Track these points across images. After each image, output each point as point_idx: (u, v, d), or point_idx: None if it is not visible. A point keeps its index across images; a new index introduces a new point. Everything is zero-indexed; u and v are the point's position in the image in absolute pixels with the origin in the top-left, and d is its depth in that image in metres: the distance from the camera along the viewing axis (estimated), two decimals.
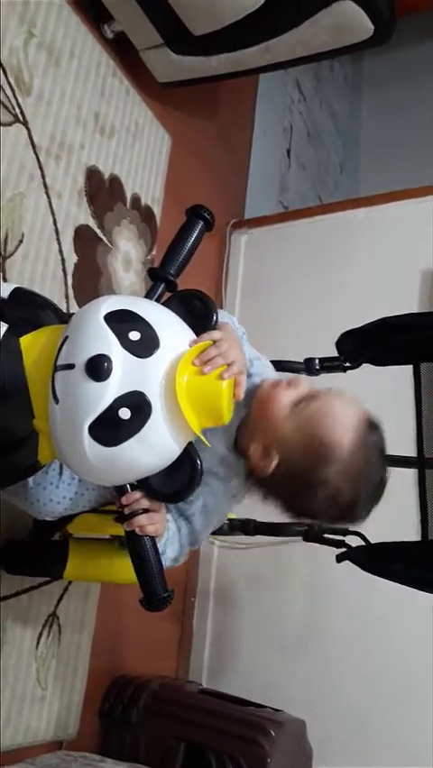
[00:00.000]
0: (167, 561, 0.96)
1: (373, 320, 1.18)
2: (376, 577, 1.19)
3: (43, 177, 1.62)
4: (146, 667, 1.81)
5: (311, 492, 0.93)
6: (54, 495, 1.00)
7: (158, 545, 0.84)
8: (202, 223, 0.87)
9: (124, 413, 0.71)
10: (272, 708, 1.66)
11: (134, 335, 0.74)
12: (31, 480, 0.97)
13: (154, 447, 0.74)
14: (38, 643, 1.47)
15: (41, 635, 1.48)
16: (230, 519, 1.34)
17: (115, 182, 1.88)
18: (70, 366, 0.73)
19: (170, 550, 0.98)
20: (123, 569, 1.30)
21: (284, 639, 1.89)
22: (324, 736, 1.69)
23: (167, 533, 0.96)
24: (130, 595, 1.71)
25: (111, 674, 1.70)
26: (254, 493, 1.01)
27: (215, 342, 0.81)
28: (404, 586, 1.03)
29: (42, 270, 1.58)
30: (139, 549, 0.79)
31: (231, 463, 1.01)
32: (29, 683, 1.44)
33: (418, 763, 1.65)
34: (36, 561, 1.37)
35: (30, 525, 1.34)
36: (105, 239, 1.81)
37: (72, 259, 1.68)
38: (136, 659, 1.79)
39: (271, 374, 1.10)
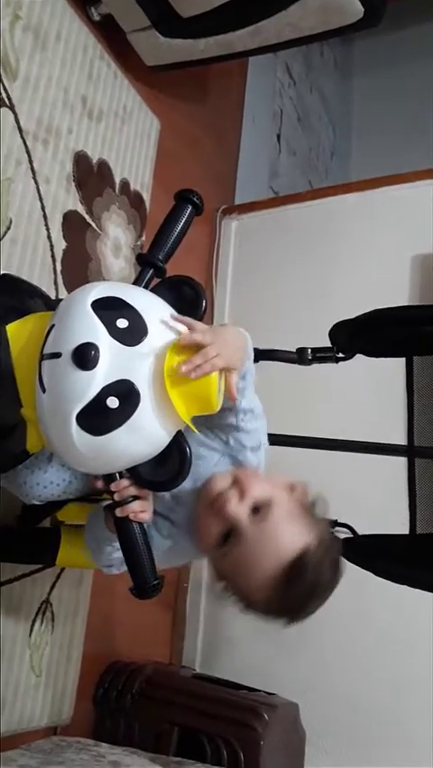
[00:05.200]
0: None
1: (366, 311, 1.17)
2: None
3: (31, 162, 1.60)
4: (140, 653, 1.81)
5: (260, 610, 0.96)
6: (41, 479, 0.99)
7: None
8: (191, 207, 0.86)
9: (113, 402, 0.71)
10: (266, 692, 1.67)
11: (122, 323, 0.73)
12: None
13: (143, 436, 0.74)
14: (31, 630, 1.47)
15: (34, 621, 1.48)
16: None
17: (103, 167, 1.86)
18: (57, 355, 0.72)
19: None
20: None
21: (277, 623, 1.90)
22: (317, 719, 1.71)
23: None
24: (123, 581, 1.71)
25: (105, 660, 1.71)
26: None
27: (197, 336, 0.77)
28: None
29: (31, 256, 1.57)
30: (129, 537, 0.79)
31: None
32: (23, 670, 1.44)
33: (413, 746, 1.66)
34: (28, 548, 1.37)
35: (18, 512, 1.34)
36: (93, 225, 1.79)
37: (61, 245, 1.67)
38: (130, 645, 1.80)
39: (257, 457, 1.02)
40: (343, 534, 0.99)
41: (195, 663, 1.96)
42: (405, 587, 1.70)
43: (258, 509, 0.89)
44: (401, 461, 1.21)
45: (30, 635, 1.46)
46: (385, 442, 1.09)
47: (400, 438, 1.21)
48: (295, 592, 0.90)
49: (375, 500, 1.45)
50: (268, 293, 2.22)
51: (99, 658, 1.69)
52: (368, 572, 1.72)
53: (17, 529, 1.35)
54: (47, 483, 1.01)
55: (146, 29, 1.87)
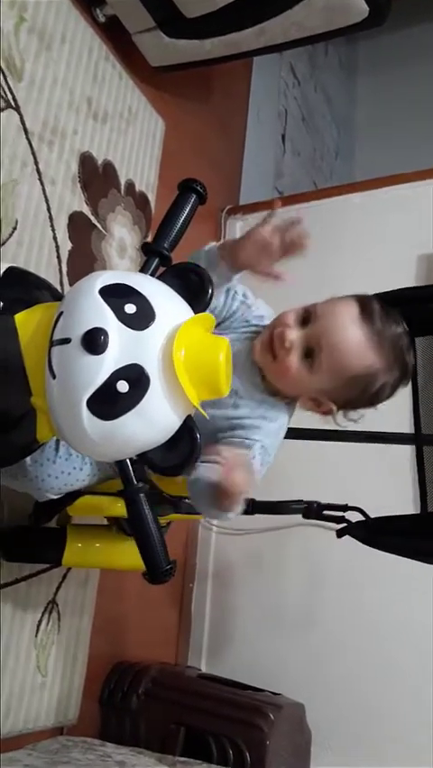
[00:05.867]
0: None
1: None
2: (375, 561, 1.18)
3: (36, 163, 1.61)
4: (145, 653, 1.81)
5: (377, 395, 1.03)
6: (51, 470, 1.00)
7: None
8: (195, 196, 0.87)
9: (122, 386, 0.70)
10: (271, 692, 1.67)
11: (130, 308, 0.72)
12: (28, 458, 0.96)
13: (153, 420, 0.73)
14: (37, 630, 1.46)
15: (40, 621, 1.47)
16: None
17: (108, 168, 1.86)
18: (66, 340, 0.72)
19: None
20: (121, 554, 1.30)
21: (283, 624, 1.90)
22: (323, 719, 1.70)
23: None
24: (129, 581, 1.71)
25: (110, 660, 1.70)
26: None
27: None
28: (406, 559, 1.03)
29: (37, 257, 1.58)
30: (140, 522, 0.78)
31: (273, 403, 1.06)
32: (29, 670, 1.44)
33: (419, 747, 1.65)
34: (35, 547, 1.37)
35: (29, 511, 1.33)
36: (99, 225, 1.80)
37: (66, 246, 1.67)
38: (136, 645, 1.79)
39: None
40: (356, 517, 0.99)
41: (201, 663, 1.95)
42: (410, 587, 1.70)
43: (305, 320, 1.00)
44: (406, 449, 1.20)
45: (36, 634, 1.46)
46: (393, 430, 1.08)
47: (407, 424, 1.21)
48: (389, 333, 0.99)
49: (382, 489, 1.44)
50: (272, 291, 2.21)
51: (105, 658, 1.68)
52: (375, 575, 1.73)
53: (24, 529, 1.35)
54: (58, 474, 1.01)
55: (151, 30, 1.88)
